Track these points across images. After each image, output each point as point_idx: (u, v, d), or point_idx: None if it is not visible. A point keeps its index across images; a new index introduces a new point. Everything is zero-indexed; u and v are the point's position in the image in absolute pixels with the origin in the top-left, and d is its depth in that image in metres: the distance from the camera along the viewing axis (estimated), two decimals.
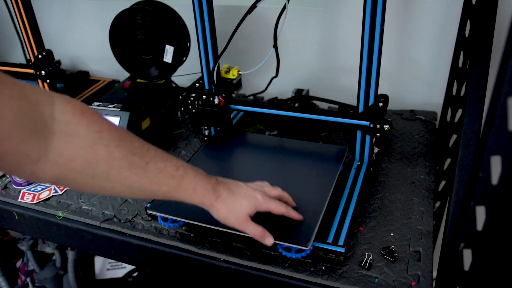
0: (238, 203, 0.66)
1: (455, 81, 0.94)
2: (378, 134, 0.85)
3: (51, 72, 1.10)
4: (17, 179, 0.93)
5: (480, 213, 0.48)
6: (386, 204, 0.83)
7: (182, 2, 1.08)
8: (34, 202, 0.89)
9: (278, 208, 0.69)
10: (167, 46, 1.00)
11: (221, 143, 0.95)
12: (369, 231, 0.77)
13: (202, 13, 0.88)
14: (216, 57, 0.93)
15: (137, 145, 0.57)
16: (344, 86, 1.18)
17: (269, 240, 0.67)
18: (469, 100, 0.73)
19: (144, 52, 1.03)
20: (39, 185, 0.94)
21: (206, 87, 0.98)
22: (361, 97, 0.83)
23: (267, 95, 1.21)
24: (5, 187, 0.95)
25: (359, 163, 0.90)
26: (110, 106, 0.97)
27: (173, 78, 1.18)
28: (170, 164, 0.60)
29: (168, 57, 1.01)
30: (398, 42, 1.09)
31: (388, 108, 0.89)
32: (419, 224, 0.77)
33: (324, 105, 1.15)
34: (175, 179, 0.59)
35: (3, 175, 0.98)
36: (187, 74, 1.17)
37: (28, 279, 1.45)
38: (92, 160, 0.52)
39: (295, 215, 0.70)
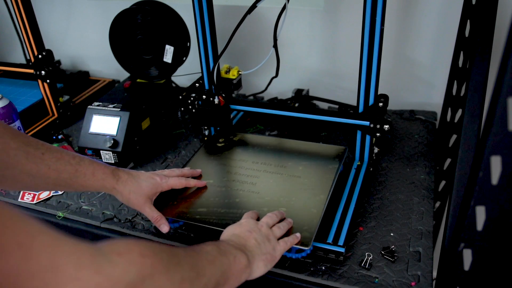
0: (138, 185, 0.72)
1: (455, 81, 0.94)
2: (378, 134, 0.85)
3: (51, 72, 1.10)
4: None
5: (480, 213, 0.48)
6: (386, 204, 0.83)
7: (182, 2, 1.08)
8: (34, 202, 0.89)
9: (178, 182, 0.77)
10: (167, 46, 1.00)
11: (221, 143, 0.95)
12: (369, 231, 0.77)
13: (202, 13, 0.88)
14: (216, 57, 0.93)
15: (32, 140, 0.63)
16: (344, 86, 1.18)
17: (163, 228, 0.73)
18: (469, 100, 0.73)
19: (144, 52, 1.03)
20: None
21: (206, 87, 0.98)
22: (361, 97, 0.83)
23: (267, 95, 1.21)
24: None
25: (359, 163, 0.90)
26: (110, 106, 0.97)
27: (173, 78, 1.18)
28: (66, 154, 0.66)
29: (168, 57, 1.01)
30: (398, 42, 1.09)
31: (388, 108, 0.89)
32: (419, 224, 0.77)
33: (324, 105, 1.15)
34: (72, 166, 0.66)
35: None
36: (187, 74, 1.17)
37: None
38: None
39: (195, 183, 0.79)
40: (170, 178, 0.77)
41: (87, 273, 0.37)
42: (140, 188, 0.72)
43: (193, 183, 0.79)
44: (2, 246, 0.33)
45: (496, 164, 0.44)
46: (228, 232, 0.66)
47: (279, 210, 0.73)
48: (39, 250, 0.35)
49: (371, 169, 0.90)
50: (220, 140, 0.95)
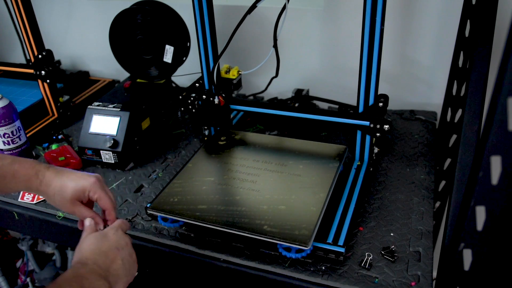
0: (64, 184, 0.65)
1: (455, 81, 0.94)
2: (378, 134, 0.85)
3: (51, 72, 1.10)
4: None
5: (480, 213, 0.48)
6: (386, 204, 0.83)
7: (182, 2, 1.08)
8: (34, 202, 0.89)
9: (107, 201, 0.67)
10: (167, 46, 1.00)
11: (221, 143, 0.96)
12: (369, 231, 0.77)
13: (202, 13, 0.88)
14: (216, 57, 0.93)
15: None
16: (344, 86, 1.18)
17: (98, 226, 0.67)
18: (469, 100, 0.73)
19: (144, 52, 1.03)
20: None
21: (206, 87, 0.98)
22: (361, 97, 0.83)
23: (267, 95, 1.21)
24: None
25: (359, 163, 0.90)
26: (110, 106, 0.97)
27: (173, 78, 1.18)
28: None
29: (168, 57, 1.01)
30: (398, 42, 1.09)
31: (388, 108, 0.89)
32: (419, 224, 0.77)
33: (324, 105, 1.15)
34: None
35: None
36: (187, 74, 1.17)
37: (28, 279, 1.45)
38: None
39: (113, 216, 0.69)
40: (106, 190, 0.68)
41: None
42: (65, 187, 0.65)
43: (113, 216, 0.69)
44: None
45: (496, 164, 0.44)
46: (93, 247, 0.60)
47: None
48: None
49: (371, 169, 0.90)
50: (222, 138, 0.95)
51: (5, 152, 0.96)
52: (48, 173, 0.66)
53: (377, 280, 0.68)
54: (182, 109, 1.01)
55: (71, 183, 0.66)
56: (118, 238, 0.63)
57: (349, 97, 1.04)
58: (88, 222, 0.66)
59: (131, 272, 0.61)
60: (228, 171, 0.85)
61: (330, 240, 0.72)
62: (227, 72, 1.03)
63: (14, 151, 0.97)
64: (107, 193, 0.68)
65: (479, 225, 0.49)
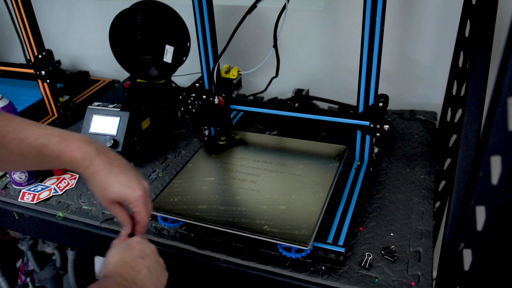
0: (109, 184, 0.61)
1: (455, 81, 0.94)
2: (378, 134, 0.85)
3: (51, 72, 1.10)
4: (17, 179, 0.93)
5: (480, 213, 0.48)
6: (386, 204, 0.83)
7: (182, 2, 1.08)
8: (34, 202, 0.89)
9: (144, 219, 0.64)
10: (167, 46, 1.00)
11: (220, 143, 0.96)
12: (369, 231, 0.77)
13: (202, 13, 0.88)
14: (216, 57, 0.93)
15: None
16: (344, 86, 1.18)
17: (126, 229, 0.65)
18: (469, 100, 0.73)
19: (144, 52, 1.03)
20: (39, 185, 0.94)
21: (206, 87, 0.98)
22: (361, 97, 0.83)
23: (267, 95, 1.21)
24: (5, 187, 0.95)
25: (359, 163, 0.90)
26: (110, 106, 0.97)
27: (173, 78, 1.18)
28: (30, 133, 0.59)
29: (168, 57, 1.01)
30: (398, 42, 1.09)
31: (388, 108, 0.89)
32: (419, 224, 0.77)
33: (324, 105, 1.15)
34: (35, 148, 0.59)
35: (3, 175, 0.98)
36: (187, 74, 1.17)
37: (28, 279, 1.45)
38: None
39: (142, 231, 0.65)
40: (147, 206, 0.64)
41: None
42: (110, 188, 0.61)
43: (142, 229, 0.65)
44: None
45: (496, 164, 0.44)
46: (117, 259, 0.58)
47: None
48: None
49: (371, 169, 0.90)
50: (222, 138, 0.95)
51: None
52: (96, 162, 0.60)
53: (377, 280, 0.68)
54: (182, 109, 1.01)
55: (117, 186, 0.61)
56: (143, 247, 0.61)
57: (349, 97, 1.04)
58: (124, 231, 0.65)
59: (160, 280, 0.59)
60: (228, 171, 0.85)
61: (330, 240, 0.72)
62: (227, 72, 1.03)
63: None
64: (147, 209, 0.64)
65: (479, 225, 0.49)
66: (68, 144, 0.60)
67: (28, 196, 0.91)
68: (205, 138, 1.04)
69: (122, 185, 0.61)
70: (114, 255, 0.59)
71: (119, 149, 0.93)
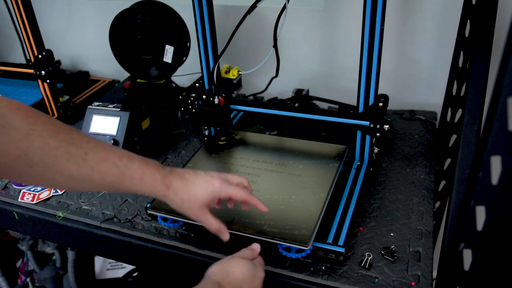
0: (192, 193, 0.64)
1: (455, 81, 0.94)
2: (378, 134, 0.85)
3: (51, 72, 1.10)
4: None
5: (480, 213, 0.48)
6: (386, 204, 0.83)
7: (182, 2, 1.08)
8: (34, 202, 0.89)
9: (239, 194, 0.66)
10: (167, 46, 1.00)
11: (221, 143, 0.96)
12: (369, 231, 0.77)
13: (202, 13, 0.88)
14: (216, 57, 0.93)
15: (76, 137, 0.58)
16: (344, 86, 1.18)
17: (224, 236, 0.67)
18: (469, 100, 0.73)
19: (144, 52, 1.03)
20: None
21: (206, 87, 0.98)
22: (361, 97, 0.83)
23: (267, 95, 1.21)
24: (5, 187, 0.95)
25: (359, 163, 0.90)
26: (110, 106, 0.97)
27: (173, 78, 1.18)
28: (114, 154, 0.60)
29: (168, 57, 1.01)
30: (398, 42, 1.09)
31: (388, 108, 0.89)
32: (419, 224, 0.77)
33: (324, 105, 1.15)
34: (118, 168, 0.59)
35: None
36: (187, 74, 1.17)
37: (28, 279, 1.44)
38: (28, 150, 0.54)
39: (257, 202, 0.68)
40: (231, 186, 0.66)
41: None
42: (194, 196, 0.64)
43: (255, 201, 0.67)
44: None
45: (496, 164, 0.44)
46: (241, 277, 0.60)
47: (253, 244, 0.69)
48: None
49: (371, 169, 0.90)
50: (222, 138, 0.95)
51: None
52: (173, 179, 0.64)
53: (377, 280, 0.68)
54: (182, 109, 1.01)
55: (199, 190, 0.64)
56: (262, 273, 0.64)
57: (349, 97, 1.04)
58: (258, 247, 0.68)
59: None
60: (228, 171, 0.85)
61: (330, 240, 0.72)
62: (227, 72, 1.03)
63: None
64: (234, 187, 0.66)
65: (479, 225, 0.49)
66: (148, 166, 0.62)
67: (28, 196, 0.91)
68: (205, 138, 1.04)
69: (202, 187, 0.64)
70: (239, 272, 0.61)
71: None
